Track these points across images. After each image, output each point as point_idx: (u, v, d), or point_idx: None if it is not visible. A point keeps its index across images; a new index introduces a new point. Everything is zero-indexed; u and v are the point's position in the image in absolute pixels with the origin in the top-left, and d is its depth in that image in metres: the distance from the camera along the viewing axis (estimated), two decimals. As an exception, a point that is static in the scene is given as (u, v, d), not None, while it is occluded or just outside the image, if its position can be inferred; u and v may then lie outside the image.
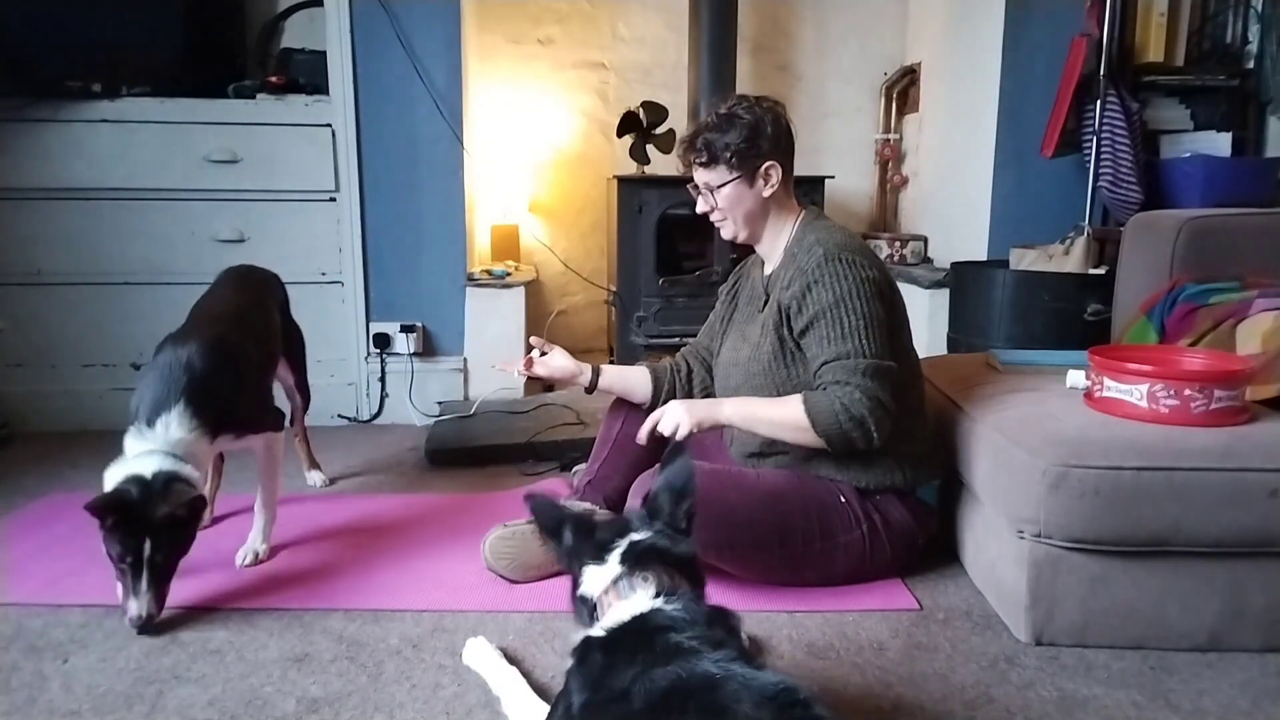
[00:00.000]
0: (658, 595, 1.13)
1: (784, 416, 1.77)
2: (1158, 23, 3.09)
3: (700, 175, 1.90)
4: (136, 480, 1.67)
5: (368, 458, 2.85)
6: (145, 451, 1.72)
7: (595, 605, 1.16)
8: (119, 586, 1.69)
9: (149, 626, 1.67)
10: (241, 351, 1.97)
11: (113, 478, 1.69)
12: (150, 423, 1.75)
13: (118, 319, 3.08)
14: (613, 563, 1.17)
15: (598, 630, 1.10)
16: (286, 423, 2.21)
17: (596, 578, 1.17)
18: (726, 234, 1.95)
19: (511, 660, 1.55)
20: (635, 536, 1.20)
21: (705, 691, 0.95)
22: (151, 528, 1.65)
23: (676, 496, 1.25)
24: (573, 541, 1.21)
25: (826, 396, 1.73)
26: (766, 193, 1.88)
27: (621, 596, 1.14)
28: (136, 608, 1.66)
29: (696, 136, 1.88)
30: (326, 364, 3.22)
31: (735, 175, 1.86)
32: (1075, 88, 3.00)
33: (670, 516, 1.24)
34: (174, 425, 1.75)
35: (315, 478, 2.58)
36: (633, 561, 1.17)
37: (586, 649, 1.09)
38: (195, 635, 1.68)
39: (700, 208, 1.95)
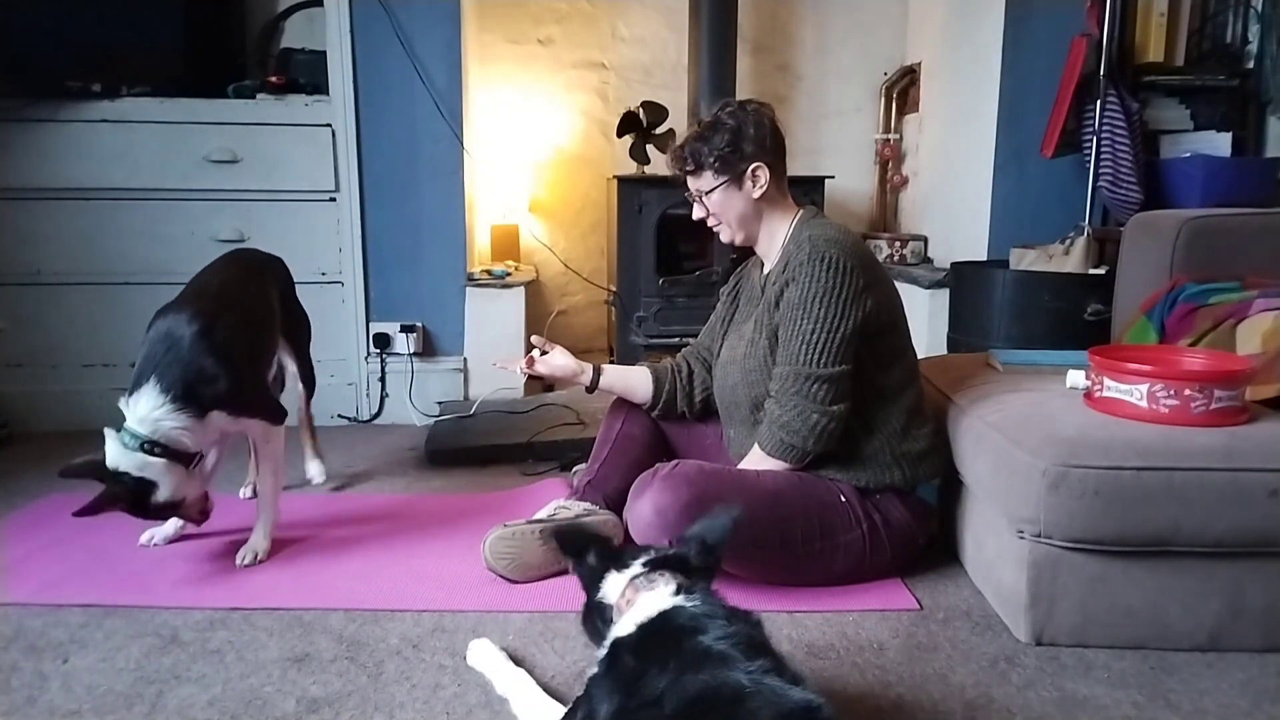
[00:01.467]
0: (678, 592, 1.15)
1: (757, 464, 1.88)
2: (1158, 23, 3.09)
3: (691, 183, 1.94)
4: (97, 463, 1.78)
5: (368, 458, 2.85)
6: (120, 430, 1.79)
7: (611, 611, 1.18)
8: None
9: None
10: (223, 325, 1.91)
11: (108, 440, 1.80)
12: (131, 395, 1.79)
13: (118, 319, 3.07)
14: (634, 566, 1.21)
15: (625, 628, 1.11)
16: (292, 412, 2.23)
17: (616, 582, 1.20)
18: (724, 238, 1.97)
19: (512, 661, 1.54)
20: (659, 554, 1.25)
21: (732, 704, 0.96)
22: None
23: (705, 548, 1.26)
24: (597, 561, 1.25)
25: (769, 429, 1.84)
26: (756, 194, 1.89)
27: (639, 591, 1.16)
28: None
29: (683, 147, 1.91)
30: (326, 364, 3.20)
31: (722, 180, 1.88)
32: (1075, 88, 3.00)
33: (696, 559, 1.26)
34: (143, 402, 1.78)
35: (315, 469, 2.47)
36: (654, 565, 1.21)
37: (616, 652, 1.10)
38: (195, 635, 1.68)
39: (696, 214, 1.98)
